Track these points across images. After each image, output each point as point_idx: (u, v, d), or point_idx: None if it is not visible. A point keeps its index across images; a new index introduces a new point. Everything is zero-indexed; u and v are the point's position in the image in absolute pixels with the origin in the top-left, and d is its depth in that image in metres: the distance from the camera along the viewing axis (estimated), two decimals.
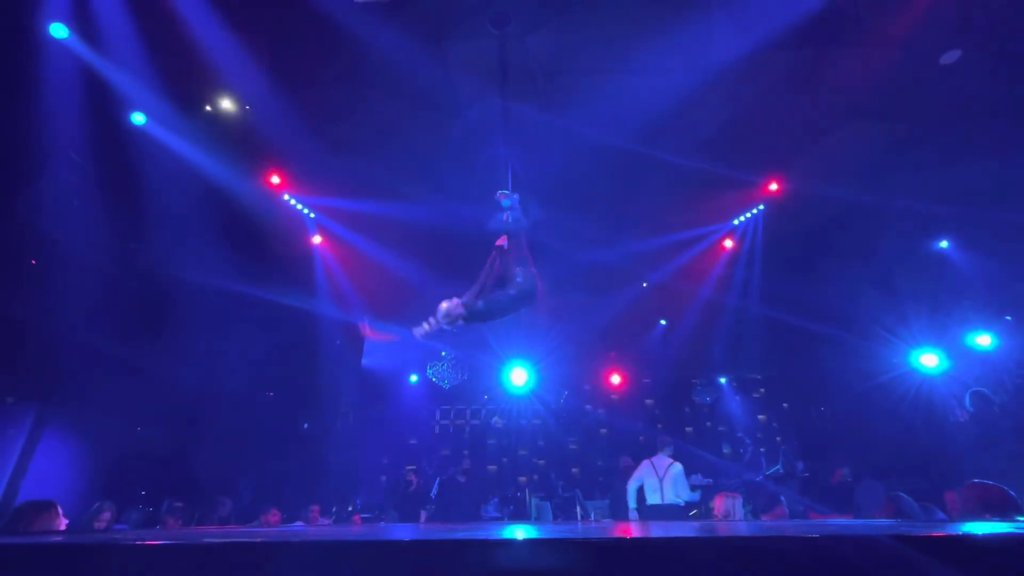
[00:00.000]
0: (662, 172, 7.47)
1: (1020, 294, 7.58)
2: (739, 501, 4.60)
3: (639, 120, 6.51)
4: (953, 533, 1.26)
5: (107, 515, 5.04)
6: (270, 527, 5.36)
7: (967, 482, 3.21)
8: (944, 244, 8.49)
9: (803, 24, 5.35)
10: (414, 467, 8.17)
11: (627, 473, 7.08)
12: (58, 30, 5.24)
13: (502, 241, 4.39)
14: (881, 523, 2.66)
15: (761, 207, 8.77)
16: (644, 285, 10.61)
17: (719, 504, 4.59)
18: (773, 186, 8.05)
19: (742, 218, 9.14)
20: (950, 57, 5.78)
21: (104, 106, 5.90)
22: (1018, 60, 5.66)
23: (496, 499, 9.00)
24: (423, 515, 7.83)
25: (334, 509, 8.36)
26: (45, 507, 3.12)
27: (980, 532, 1.25)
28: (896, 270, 8.52)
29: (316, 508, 6.93)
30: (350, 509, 8.61)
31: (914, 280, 8.31)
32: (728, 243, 9.55)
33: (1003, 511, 2.87)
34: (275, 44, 5.72)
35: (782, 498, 4.70)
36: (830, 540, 1.12)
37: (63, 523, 3.20)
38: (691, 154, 7.05)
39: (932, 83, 6.06)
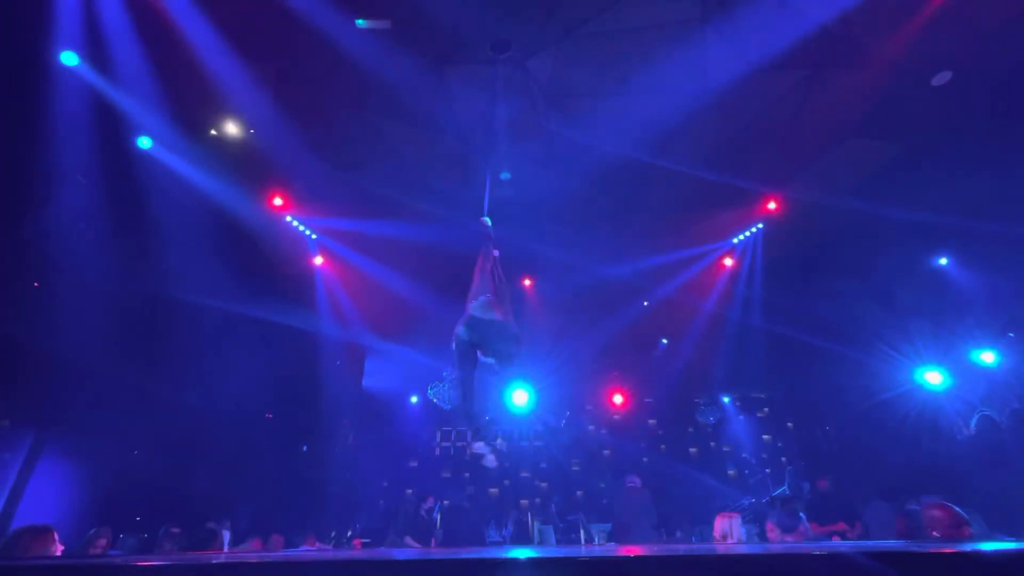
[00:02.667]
0: (661, 191, 7.55)
1: (1022, 310, 7.56)
2: (736, 521, 4.56)
3: (638, 140, 6.61)
4: (964, 550, 1.24)
5: (103, 541, 4.95)
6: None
7: (928, 504, 3.23)
8: (944, 261, 8.52)
9: (797, 47, 5.48)
10: (411, 490, 8.02)
11: (631, 494, 6.95)
12: (69, 58, 5.37)
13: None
14: (892, 543, 2.61)
15: (760, 225, 8.83)
16: (645, 304, 10.61)
17: (717, 525, 4.56)
18: (772, 204, 8.12)
19: (741, 236, 9.19)
20: (941, 79, 5.91)
21: (111, 130, 6.01)
22: (1006, 80, 5.77)
23: (496, 523, 8.83)
24: (433, 541, 7.66)
25: (333, 533, 8.21)
26: (41, 533, 3.08)
27: (990, 549, 1.23)
28: (897, 287, 8.52)
29: (311, 538, 6.78)
30: (349, 534, 8.44)
31: (916, 297, 8.30)
32: (728, 261, 9.58)
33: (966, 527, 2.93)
34: (279, 69, 5.86)
35: (802, 516, 4.64)
36: (836, 558, 1.10)
37: (59, 549, 3.15)
38: (690, 173, 7.14)
39: (925, 103, 6.17)
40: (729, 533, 4.41)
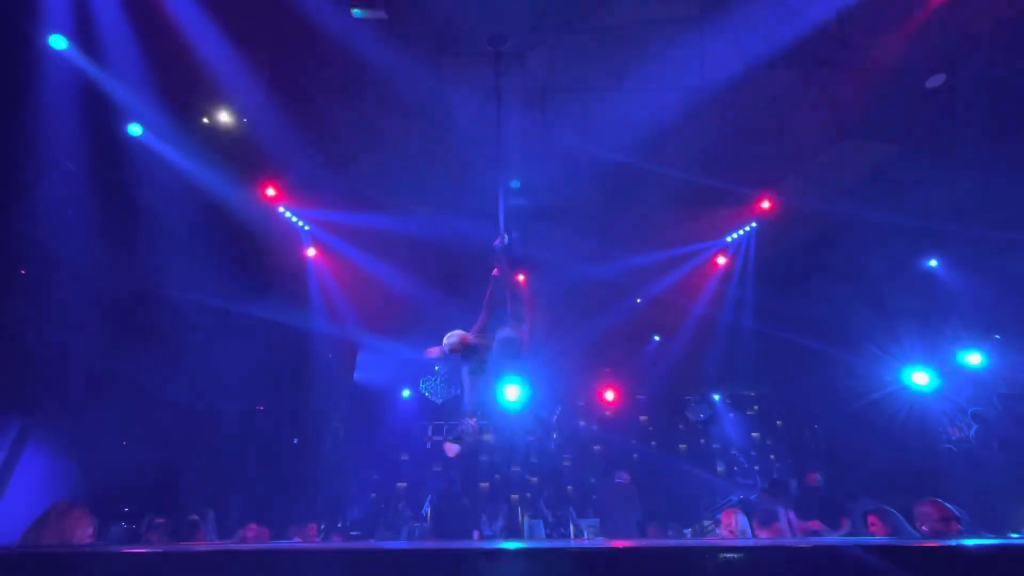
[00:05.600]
0: (655, 188, 7.56)
1: (1008, 313, 7.66)
2: (744, 517, 4.54)
3: (633, 137, 6.60)
4: (948, 544, 1.26)
5: (90, 531, 4.91)
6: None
7: (926, 500, 3.28)
8: (933, 263, 8.60)
9: (792, 47, 5.49)
10: (404, 483, 8.02)
11: (619, 490, 7.01)
12: (57, 41, 5.27)
13: (496, 272, 4.55)
14: (878, 538, 2.65)
15: (753, 224, 8.87)
16: (638, 301, 10.64)
17: (732, 520, 4.49)
18: (765, 204, 8.15)
19: (735, 235, 9.23)
20: (935, 81, 5.95)
21: (101, 117, 5.90)
22: (999, 83, 5.82)
23: (486, 517, 8.86)
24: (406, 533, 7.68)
25: (323, 527, 8.20)
26: (74, 510, 3.07)
27: (972, 544, 1.25)
28: (887, 288, 8.60)
29: (303, 530, 6.70)
30: (340, 526, 8.44)
31: (904, 298, 8.39)
32: (721, 260, 9.62)
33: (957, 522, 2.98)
34: (273, 58, 5.77)
35: (780, 511, 4.64)
36: (824, 550, 1.11)
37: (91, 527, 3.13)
38: (684, 171, 7.15)
39: (919, 105, 6.21)
40: (747, 530, 4.38)
